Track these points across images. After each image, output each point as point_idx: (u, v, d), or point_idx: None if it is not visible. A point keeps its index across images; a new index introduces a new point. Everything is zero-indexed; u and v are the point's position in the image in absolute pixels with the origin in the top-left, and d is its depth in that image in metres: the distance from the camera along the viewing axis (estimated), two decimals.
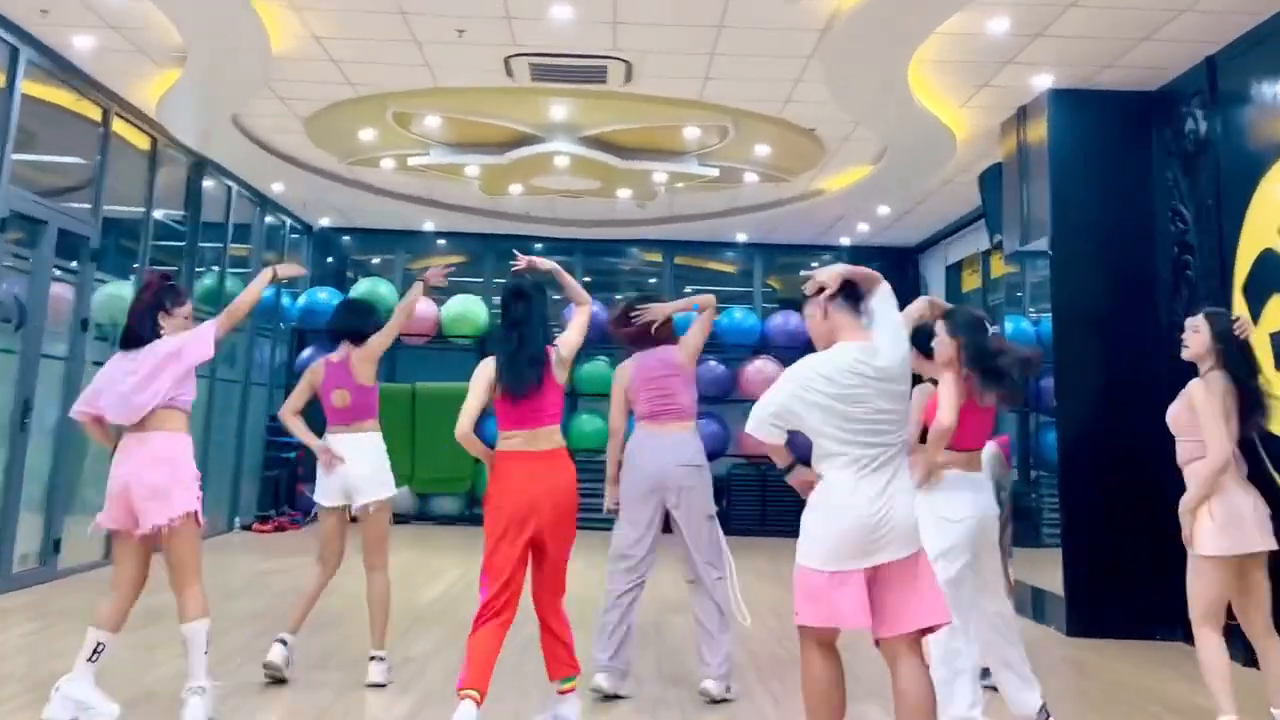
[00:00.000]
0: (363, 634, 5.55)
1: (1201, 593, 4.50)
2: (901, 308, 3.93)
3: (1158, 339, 7.30)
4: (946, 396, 4.38)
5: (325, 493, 5.49)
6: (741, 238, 14.29)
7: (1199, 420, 4.52)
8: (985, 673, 5.45)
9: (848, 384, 3.55)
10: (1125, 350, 7.51)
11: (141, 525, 4.42)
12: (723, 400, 13.31)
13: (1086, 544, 7.28)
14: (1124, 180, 7.89)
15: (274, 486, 12.44)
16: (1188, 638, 6.93)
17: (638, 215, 12.76)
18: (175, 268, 10.44)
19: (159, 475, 4.43)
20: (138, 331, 4.61)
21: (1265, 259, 6.59)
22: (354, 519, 5.51)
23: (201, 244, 10.91)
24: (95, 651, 4.48)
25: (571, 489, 4.40)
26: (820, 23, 6.93)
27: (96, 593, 5.08)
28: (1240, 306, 6.80)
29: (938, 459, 4.48)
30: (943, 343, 4.60)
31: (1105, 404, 7.51)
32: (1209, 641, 4.46)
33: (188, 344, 4.55)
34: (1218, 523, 4.45)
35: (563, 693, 4.47)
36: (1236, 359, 4.65)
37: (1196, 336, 4.72)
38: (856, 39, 6.95)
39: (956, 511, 4.51)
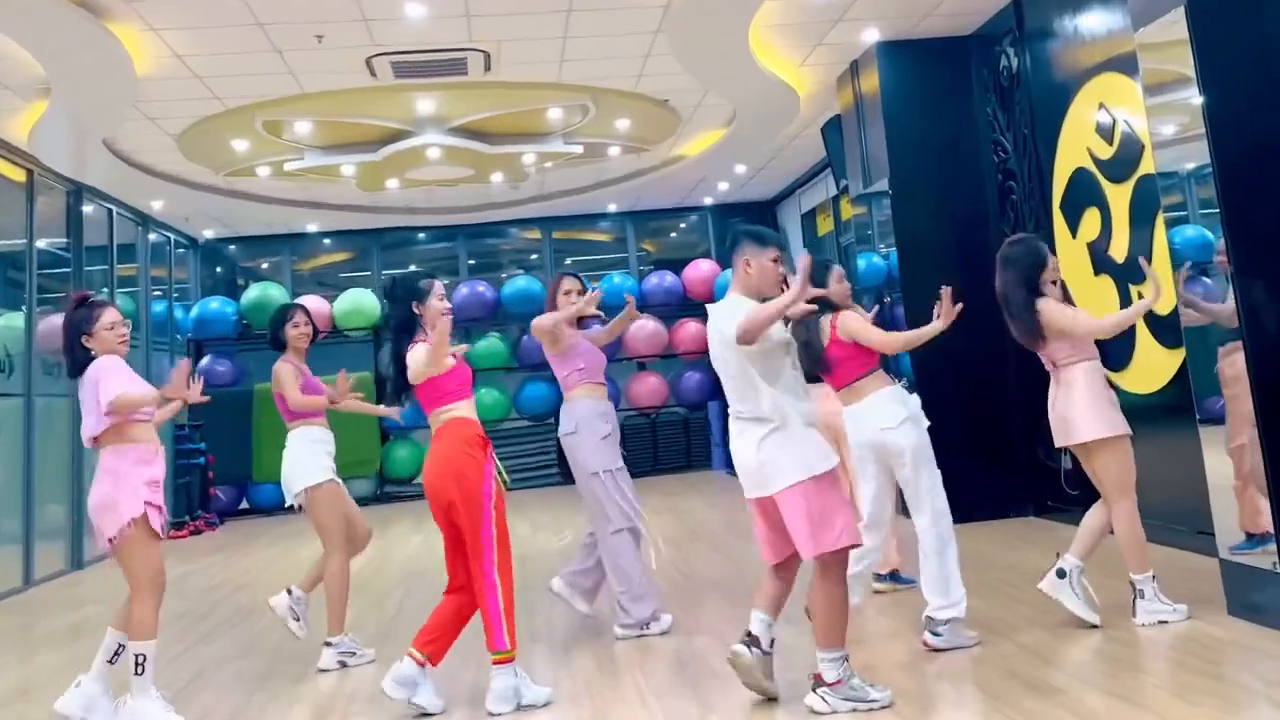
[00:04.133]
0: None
1: (1129, 467, 4.56)
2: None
3: (990, 260, 7.53)
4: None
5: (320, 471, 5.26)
6: (612, 207, 14.29)
7: (1064, 324, 4.57)
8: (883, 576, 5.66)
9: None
10: (963, 273, 7.72)
11: (99, 542, 4.28)
12: (611, 360, 13.31)
13: (942, 444, 7.59)
14: (950, 119, 8.13)
15: (185, 492, 12.04)
16: (1037, 512, 7.40)
17: (513, 196, 12.67)
18: (62, 294, 9.97)
19: (100, 491, 4.23)
20: (70, 362, 4.39)
21: (1078, 177, 6.88)
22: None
23: (87, 268, 10.44)
24: (115, 654, 4.32)
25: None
26: None
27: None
28: (1059, 221, 7.10)
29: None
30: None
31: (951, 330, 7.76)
32: (1135, 513, 4.56)
33: (99, 379, 4.30)
34: (1115, 407, 4.59)
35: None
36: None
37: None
38: (698, 10, 6.97)
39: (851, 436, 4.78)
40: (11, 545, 8.55)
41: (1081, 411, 4.56)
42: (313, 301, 12.76)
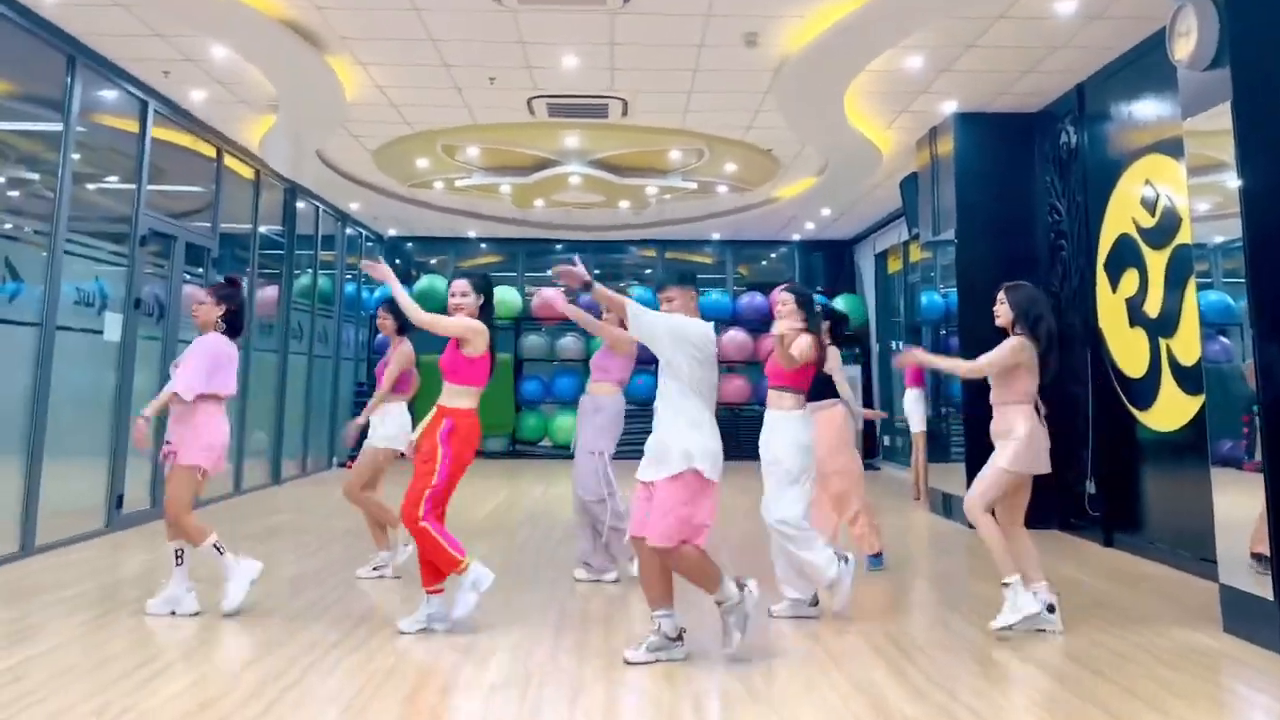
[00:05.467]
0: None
1: (993, 492, 4.33)
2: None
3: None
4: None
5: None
6: (716, 235, 14.24)
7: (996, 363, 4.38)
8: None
9: (709, 350, 3.87)
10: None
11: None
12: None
13: (983, 460, 7.39)
14: (1012, 183, 7.88)
15: (362, 435, 12.43)
16: (1061, 526, 7.11)
17: (635, 220, 12.73)
18: (277, 271, 10.43)
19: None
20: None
21: (1121, 241, 6.60)
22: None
23: (297, 252, 10.89)
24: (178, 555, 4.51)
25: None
26: (774, 65, 6.90)
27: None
28: (1102, 278, 6.82)
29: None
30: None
31: None
32: (992, 522, 4.34)
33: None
34: (1028, 448, 4.31)
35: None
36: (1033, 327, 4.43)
37: (1002, 308, 4.54)
38: (802, 77, 6.91)
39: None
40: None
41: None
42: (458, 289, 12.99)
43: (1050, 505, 7.32)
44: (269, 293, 10.24)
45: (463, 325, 4.30)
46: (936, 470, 8.52)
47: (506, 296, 13.57)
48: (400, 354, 5.52)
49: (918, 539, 7.07)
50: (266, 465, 10.00)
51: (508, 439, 13.57)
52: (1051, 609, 4.32)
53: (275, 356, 10.20)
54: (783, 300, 4.57)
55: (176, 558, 4.48)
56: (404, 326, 5.53)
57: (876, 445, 13.19)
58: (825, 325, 5.46)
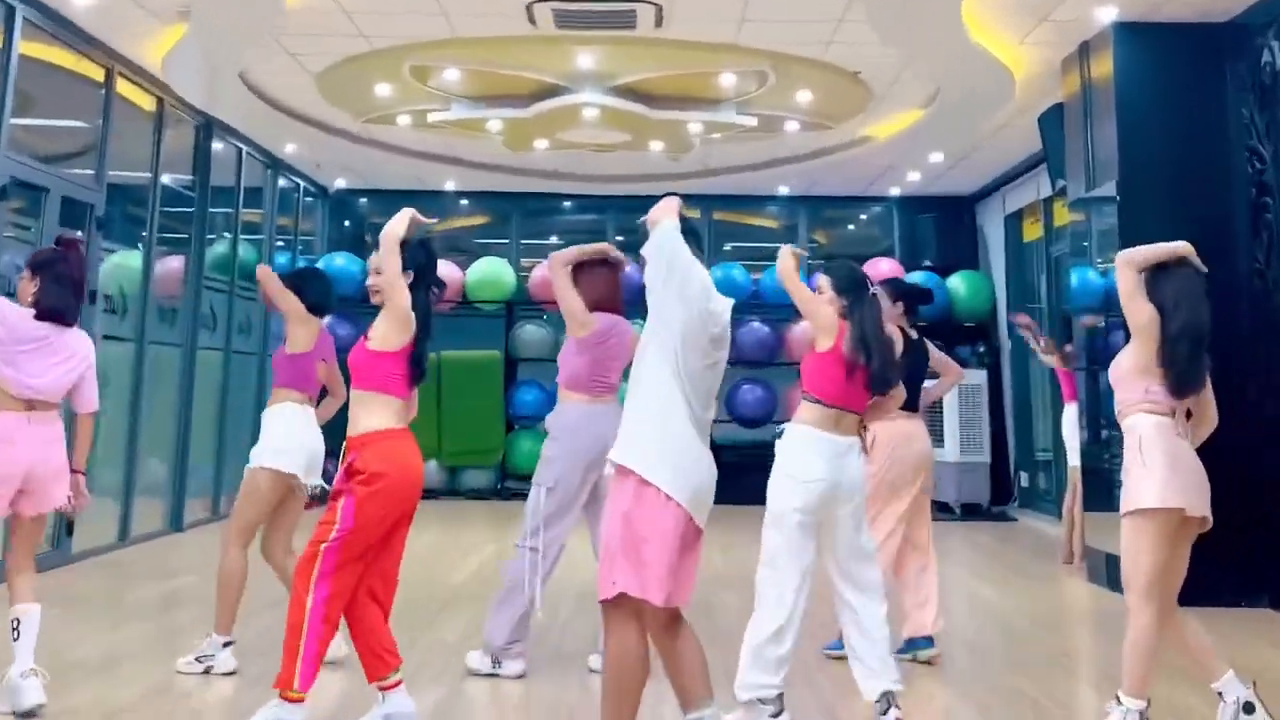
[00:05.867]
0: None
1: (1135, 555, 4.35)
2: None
3: (1237, 286, 7.24)
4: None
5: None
6: (784, 190, 14.24)
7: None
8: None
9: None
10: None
11: None
12: (767, 364, 13.27)
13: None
14: (1196, 119, 7.81)
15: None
16: (1273, 604, 6.99)
17: (672, 169, 12.73)
18: (185, 235, 10.55)
19: None
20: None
21: None
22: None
23: (212, 209, 11.02)
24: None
25: None
26: None
27: None
28: None
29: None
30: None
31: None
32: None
33: None
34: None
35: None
36: None
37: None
38: None
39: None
40: (110, 500, 9.03)
41: None
42: (442, 267, 13.04)
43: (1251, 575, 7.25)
44: (171, 265, 10.36)
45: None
46: (1097, 521, 8.35)
47: (494, 271, 13.61)
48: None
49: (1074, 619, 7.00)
50: (163, 506, 10.09)
51: (495, 472, 13.60)
52: (1250, 708, 4.30)
53: (178, 352, 10.30)
54: (819, 286, 4.81)
55: (13, 630, 4.60)
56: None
57: (1012, 484, 13.03)
58: (899, 309, 5.68)
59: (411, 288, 4.41)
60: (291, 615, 4.16)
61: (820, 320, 4.73)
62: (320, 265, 12.51)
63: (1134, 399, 4.44)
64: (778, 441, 4.68)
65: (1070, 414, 9.02)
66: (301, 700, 4.12)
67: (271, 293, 5.61)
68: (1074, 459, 8.98)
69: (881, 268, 13.62)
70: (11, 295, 7.02)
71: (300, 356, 5.55)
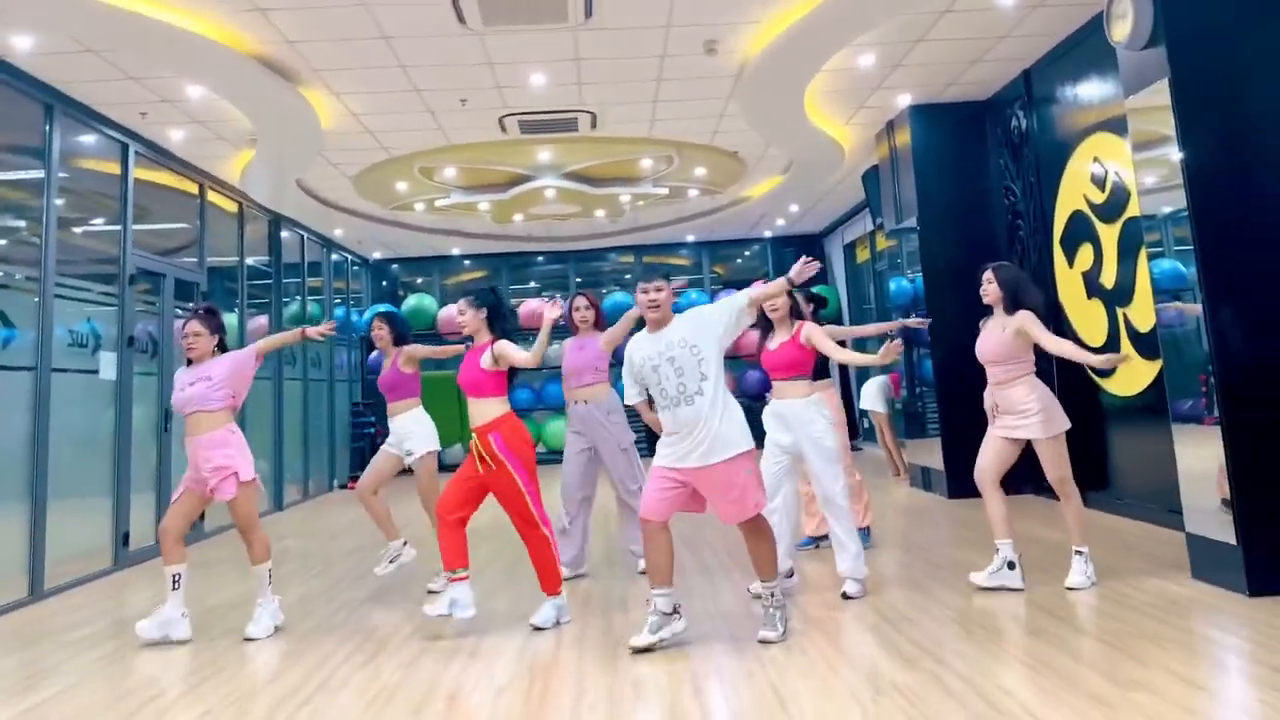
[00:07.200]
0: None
1: (1066, 458, 4.42)
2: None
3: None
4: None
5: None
6: (690, 238, 14.26)
7: (1030, 340, 4.47)
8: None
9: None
10: (977, 296, 7.59)
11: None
12: None
13: (957, 434, 7.48)
14: (968, 169, 7.95)
15: (360, 454, 12.43)
16: (1037, 490, 7.15)
17: (611, 228, 12.75)
18: (266, 300, 10.38)
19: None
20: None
21: (1075, 218, 6.67)
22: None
23: (285, 280, 10.83)
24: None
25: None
26: (734, 70, 6.92)
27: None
28: (1059, 254, 6.88)
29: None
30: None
31: (967, 337, 7.54)
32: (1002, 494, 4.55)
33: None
34: (1058, 410, 4.45)
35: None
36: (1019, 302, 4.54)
37: (991, 287, 4.72)
38: (762, 80, 6.93)
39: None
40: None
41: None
42: (456, 309, 12.97)
43: (1023, 471, 7.39)
44: (260, 322, 10.18)
45: (504, 350, 4.66)
46: (915, 445, 8.56)
47: None
48: (408, 355, 5.50)
49: (899, 513, 7.11)
50: (268, 492, 9.93)
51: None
52: (1012, 565, 4.44)
53: (270, 384, 10.13)
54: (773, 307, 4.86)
55: (173, 582, 4.45)
56: (400, 338, 5.56)
57: (858, 426, 13.21)
58: (809, 308, 5.65)
59: (491, 322, 4.77)
60: (540, 550, 4.29)
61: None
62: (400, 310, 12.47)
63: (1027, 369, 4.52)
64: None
65: (878, 382, 9.50)
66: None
67: (435, 354, 5.61)
68: (882, 408, 9.59)
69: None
70: (156, 350, 6.80)
71: (414, 375, 5.52)
